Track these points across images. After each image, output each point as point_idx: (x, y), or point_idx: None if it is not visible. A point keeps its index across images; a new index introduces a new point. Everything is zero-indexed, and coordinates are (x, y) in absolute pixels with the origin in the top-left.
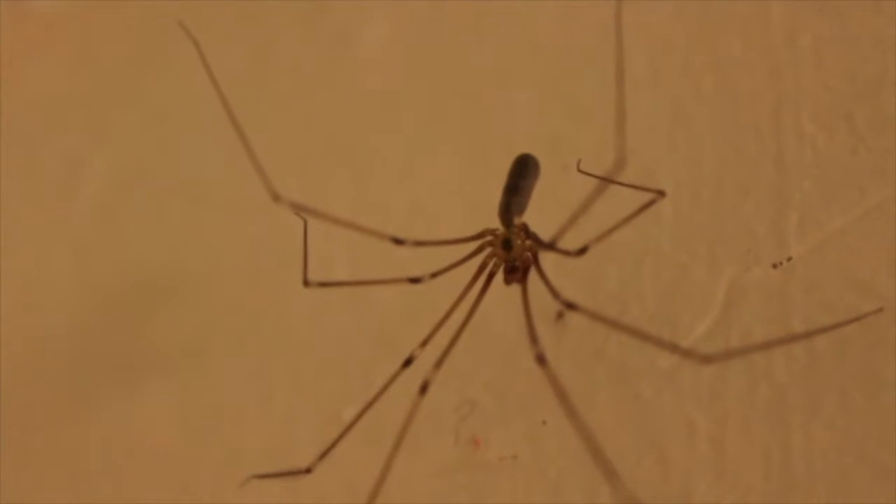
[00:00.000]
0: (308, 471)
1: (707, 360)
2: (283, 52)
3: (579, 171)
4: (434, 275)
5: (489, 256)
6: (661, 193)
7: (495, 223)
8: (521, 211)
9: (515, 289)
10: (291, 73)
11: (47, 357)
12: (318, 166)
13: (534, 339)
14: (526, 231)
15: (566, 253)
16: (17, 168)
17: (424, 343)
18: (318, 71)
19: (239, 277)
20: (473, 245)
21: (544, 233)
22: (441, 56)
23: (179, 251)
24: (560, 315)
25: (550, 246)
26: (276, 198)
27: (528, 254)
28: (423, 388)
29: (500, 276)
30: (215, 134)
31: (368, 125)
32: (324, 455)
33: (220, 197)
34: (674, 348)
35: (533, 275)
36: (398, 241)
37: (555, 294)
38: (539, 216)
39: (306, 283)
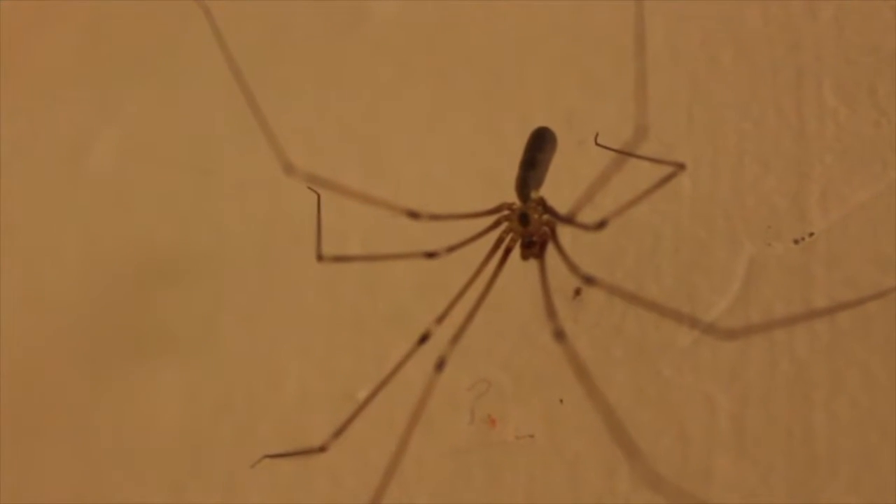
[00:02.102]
0: (322, 449)
1: (728, 335)
2: (295, 27)
3: (597, 144)
4: (450, 249)
5: (506, 231)
6: (681, 166)
7: (511, 197)
8: (539, 185)
9: (532, 264)
10: (304, 48)
11: (56, 335)
12: (330, 141)
13: (552, 313)
14: (543, 205)
15: (585, 227)
16: (25, 143)
17: (440, 319)
18: (330, 45)
19: (250, 254)
20: (490, 220)
21: (561, 208)
22: (456, 28)
23: (189, 227)
24: (577, 292)
25: (568, 220)
26: (290, 169)
27: (546, 228)
28: (440, 365)
29: (517, 251)
30: (226, 109)
31: (382, 99)
32: (338, 434)
33: (230, 173)
34: (694, 324)
35: (550, 251)
36: (413, 215)
37: (573, 268)
38: (556, 191)
39: (320, 257)
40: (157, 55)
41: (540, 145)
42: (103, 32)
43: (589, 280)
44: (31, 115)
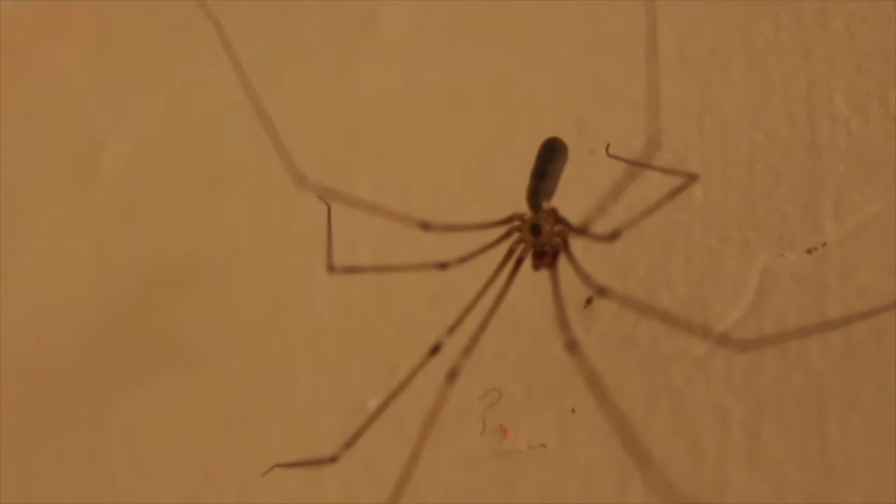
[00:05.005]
0: (333, 460)
1: (741, 346)
2: (305, 36)
3: (608, 154)
4: (462, 260)
5: (517, 242)
6: (693, 177)
7: (523, 208)
8: (550, 195)
9: (543, 275)
10: (314, 58)
11: (65, 344)
12: (340, 152)
13: (564, 324)
14: (555, 216)
15: (597, 237)
16: (36, 153)
17: (452, 330)
18: (340, 55)
19: (260, 264)
20: (501, 230)
21: (573, 218)
22: (466, 37)
23: (200, 237)
24: (589, 302)
25: (581, 230)
26: (301, 182)
27: (558, 239)
28: (452, 375)
29: (528, 262)
30: (237, 119)
31: (392, 109)
32: (349, 444)
33: (241, 182)
34: (707, 334)
35: (562, 261)
36: (425, 226)
37: (586, 279)
38: (567, 202)
39: (331, 268)
40: (168, 63)
41: (551, 156)
42: (113, 40)
43: (601, 290)
44: (40, 123)
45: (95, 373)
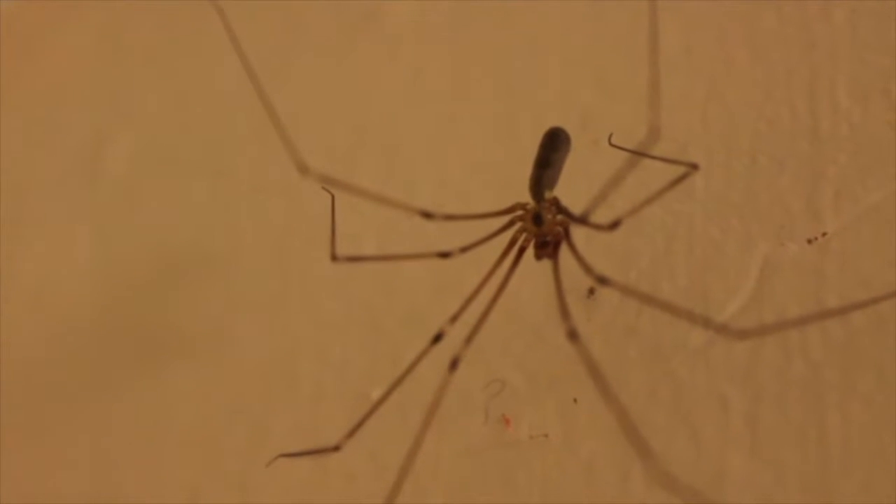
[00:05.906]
0: (336, 449)
1: (742, 335)
2: (310, 30)
3: (611, 144)
4: (464, 249)
5: (519, 231)
6: (695, 166)
7: (525, 197)
8: (552, 185)
9: (546, 264)
10: (319, 51)
11: (70, 338)
12: (344, 144)
13: (565, 313)
14: (557, 205)
15: (598, 227)
16: (40, 147)
17: (454, 319)
18: (345, 46)
19: (264, 256)
20: (503, 220)
21: (575, 208)
22: (469, 28)
23: (204, 230)
24: (591, 291)
25: (582, 220)
26: (304, 170)
27: (560, 228)
28: (454, 364)
29: (530, 251)
30: (240, 112)
31: (396, 100)
32: (352, 433)
33: (244, 175)
34: (708, 324)
35: (564, 251)
36: (428, 215)
37: (587, 269)
38: (569, 191)
39: (334, 257)
40: (172, 57)
41: (554, 145)
42: (118, 34)
43: (602, 280)
44: (44, 117)
45: (98, 365)
